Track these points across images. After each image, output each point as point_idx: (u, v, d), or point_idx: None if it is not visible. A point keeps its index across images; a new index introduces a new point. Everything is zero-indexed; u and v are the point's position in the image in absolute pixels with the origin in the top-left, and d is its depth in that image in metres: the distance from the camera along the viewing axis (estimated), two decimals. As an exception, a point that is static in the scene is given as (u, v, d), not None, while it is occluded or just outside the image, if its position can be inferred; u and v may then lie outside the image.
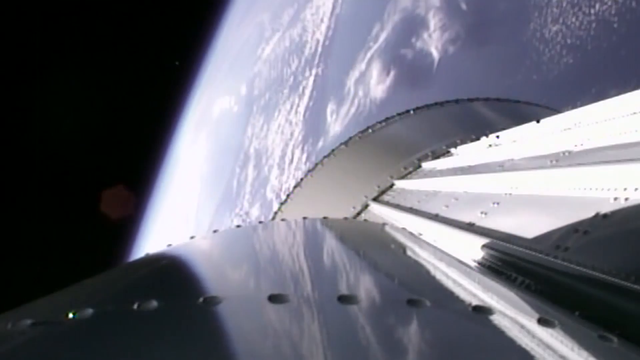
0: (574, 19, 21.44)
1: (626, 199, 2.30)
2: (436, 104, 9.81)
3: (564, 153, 3.51)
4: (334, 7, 46.88)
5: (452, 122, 9.28)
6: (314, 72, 47.47)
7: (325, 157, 9.51)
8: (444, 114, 9.49)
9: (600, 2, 20.45)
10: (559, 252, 2.39)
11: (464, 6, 27.05)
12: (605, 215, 2.33)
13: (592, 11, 20.60)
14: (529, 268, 2.50)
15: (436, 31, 29.02)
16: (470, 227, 3.48)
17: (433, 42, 29.37)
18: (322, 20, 47.98)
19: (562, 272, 2.24)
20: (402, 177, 7.49)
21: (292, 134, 46.93)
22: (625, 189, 2.35)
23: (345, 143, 9.48)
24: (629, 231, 2.14)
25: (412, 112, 9.60)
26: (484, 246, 3.00)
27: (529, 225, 2.90)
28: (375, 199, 7.50)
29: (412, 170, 7.58)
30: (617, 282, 1.90)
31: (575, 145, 3.50)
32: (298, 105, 48.04)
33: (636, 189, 2.27)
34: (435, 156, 7.67)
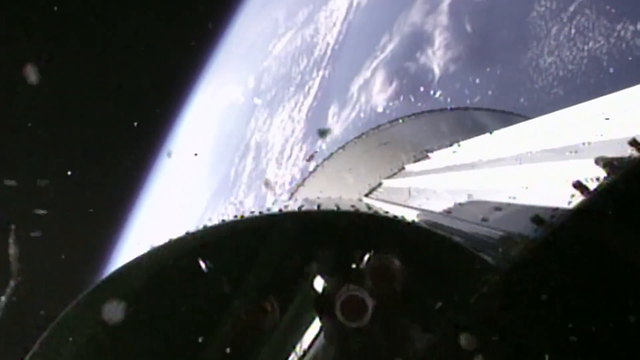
0: (568, 53, 21.97)
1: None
2: (423, 112, 10.51)
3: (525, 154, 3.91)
4: (347, 13, 47.22)
5: (440, 129, 9.84)
6: (321, 73, 47.79)
7: (325, 159, 10.33)
8: (433, 122, 10.08)
9: (593, 40, 21.00)
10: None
11: (469, 28, 27.47)
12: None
13: (586, 47, 21.16)
14: None
15: (440, 49, 29.45)
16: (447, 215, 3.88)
17: (436, 59, 29.77)
18: (334, 25, 48.32)
19: None
20: (389, 177, 8.02)
21: (293, 131, 47.31)
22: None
23: (343, 147, 10.26)
24: None
25: (400, 120, 10.30)
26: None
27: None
28: (366, 195, 8.00)
29: (397, 171, 8.13)
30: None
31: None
32: (302, 104, 48.40)
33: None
34: (416, 159, 8.25)
